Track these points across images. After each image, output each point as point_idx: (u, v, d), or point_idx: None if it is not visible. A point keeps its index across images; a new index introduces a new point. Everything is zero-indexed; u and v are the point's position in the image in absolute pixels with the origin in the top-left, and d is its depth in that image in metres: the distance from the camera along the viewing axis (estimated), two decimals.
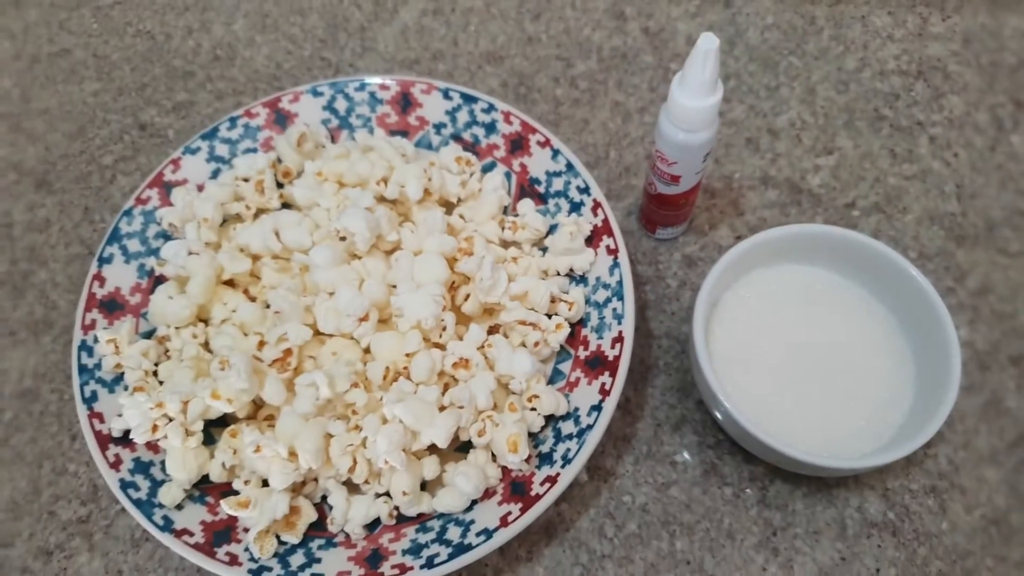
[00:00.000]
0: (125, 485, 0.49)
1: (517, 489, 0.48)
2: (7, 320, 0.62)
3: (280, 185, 0.62)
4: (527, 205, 0.59)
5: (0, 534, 0.54)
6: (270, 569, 0.46)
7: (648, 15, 0.75)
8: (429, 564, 0.46)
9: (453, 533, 0.47)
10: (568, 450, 0.49)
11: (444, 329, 0.51)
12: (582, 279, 0.56)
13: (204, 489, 0.50)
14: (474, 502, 0.49)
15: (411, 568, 0.46)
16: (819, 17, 0.73)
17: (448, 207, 0.60)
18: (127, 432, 0.50)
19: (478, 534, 0.47)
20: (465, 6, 0.76)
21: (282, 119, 0.63)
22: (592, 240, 0.56)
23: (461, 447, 0.52)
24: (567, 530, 0.52)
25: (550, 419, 0.52)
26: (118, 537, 0.53)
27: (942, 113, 0.67)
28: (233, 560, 0.47)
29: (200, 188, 0.61)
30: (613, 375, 0.50)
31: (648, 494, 0.53)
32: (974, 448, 0.53)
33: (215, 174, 0.62)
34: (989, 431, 0.54)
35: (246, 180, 0.60)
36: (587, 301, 0.55)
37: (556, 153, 0.59)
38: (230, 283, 0.57)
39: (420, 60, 0.73)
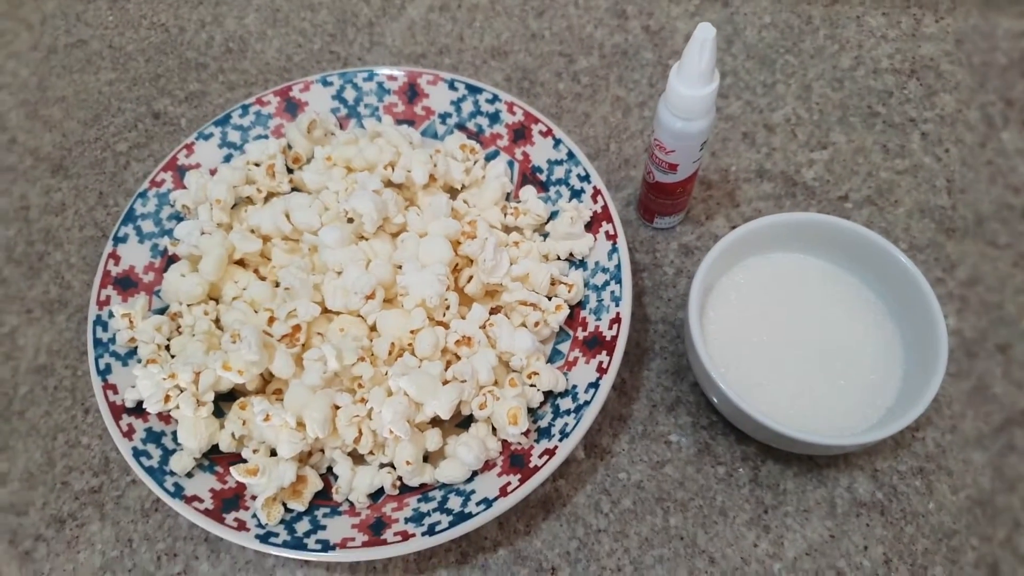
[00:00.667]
0: (138, 453, 0.50)
1: (516, 461, 0.50)
2: (23, 299, 0.64)
3: (290, 170, 0.63)
4: (529, 192, 0.61)
5: (15, 503, 0.55)
6: (276, 535, 0.48)
7: (649, 14, 0.77)
8: (431, 531, 0.47)
9: (454, 502, 0.49)
10: (566, 425, 0.50)
11: (447, 308, 0.53)
12: (581, 263, 0.58)
13: (213, 459, 0.52)
14: (475, 473, 0.50)
15: (413, 535, 0.47)
16: (815, 17, 0.75)
17: (452, 193, 0.61)
18: (140, 403, 0.52)
19: (478, 503, 0.48)
20: (471, 3, 0.78)
21: (292, 107, 0.65)
22: (592, 226, 0.58)
23: (462, 423, 0.54)
24: (564, 505, 0.53)
25: (549, 396, 0.54)
26: (128, 507, 0.55)
27: (934, 110, 0.69)
28: (241, 526, 0.48)
29: (213, 172, 0.62)
30: (610, 354, 0.52)
31: (643, 472, 0.54)
32: (960, 432, 0.55)
33: (227, 159, 0.63)
34: (975, 416, 0.55)
35: (257, 164, 0.62)
36: (586, 284, 0.57)
37: (558, 142, 0.61)
38: (241, 263, 0.58)
39: (427, 54, 0.75)
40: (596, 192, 0.58)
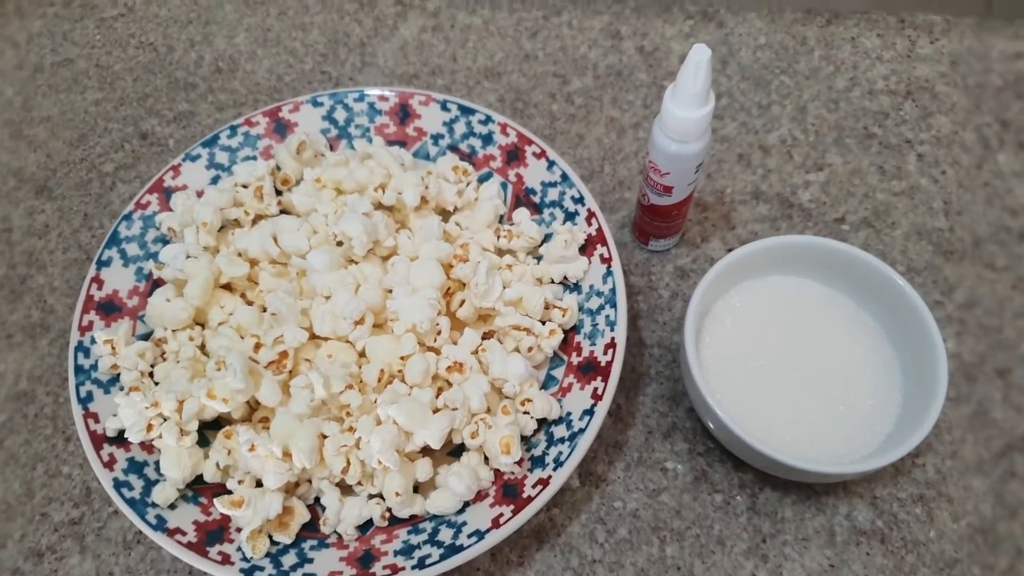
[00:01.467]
0: (119, 484, 0.49)
1: (509, 491, 0.49)
2: (4, 323, 0.62)
3: (278, 192, 0.62)
4: (522, 214, 0.60)
5: None
6: (262, 568, 0.47)
7: (643, 35, 0.76)
8: (421, 565, 0.46)
9: (445, 534, 0.48)
10: (560, 453, 0.49)
11: (439, 333, 0.52)
12: (576, 287, 0.57)
13: (197, 489, 0.51)
14: (466, 504, 0.49)
15: (403, 568, 0.46)
16: (810, 38, 0.75)
17: (444, 215, 0.60)
18: (121, 432, 0.51)
19: (470, 535, 0.47)
20: (464, 23, 0.78)
21: (282, 128, 0.64)
22: (586, 249, 0.57)
23: (453, 452, 0.52)
24: (558, 535, 0.52)
25: (542, 423, 0.52)
26: (110, 539, 0.53)
27: (930, 132, 0.69)
28: (225, 559, 0.47)
29: (199, 194, 0.61)
30: (605, 380, 0.51)
31: (639, 500, 0.53)
32: (961, 458, 0.54)
33: (214, 181, 0.62)
34: (975, 441, 0.54)
35: (245, 186, 0.61)
36: (580, 308, 0.56)
37: (552, 164, 0.60)
38: (227, 288, 0.57)
39: (419, 75, 0.75)
40: (590, 214, 0.57)
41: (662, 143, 0.52)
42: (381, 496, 0.50)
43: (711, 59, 0.47)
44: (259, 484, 0.49)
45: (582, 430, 0.49)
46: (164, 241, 0.60)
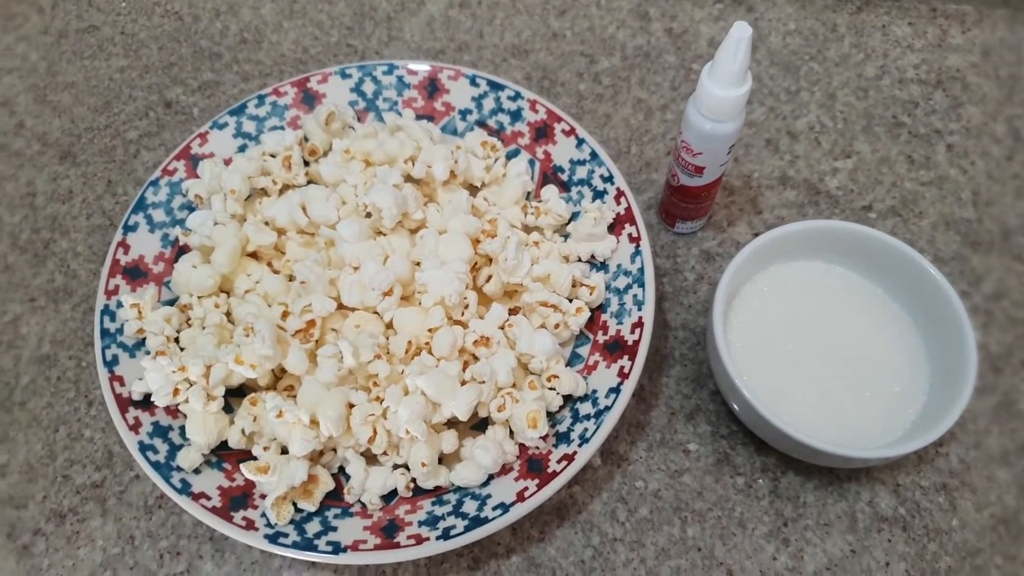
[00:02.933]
0: (144, 448, 0.49)
1: (534, 466, 0.49)
2: (28, 287, 0.62)
3: (306, 163, 0.62)
4: (551, 191, 0.59)
5: (15, 495, 0.54)
6: (286, 535, 0.47)
7: (672, 16, 0.76)
8: (445, 535, 0.46)
9: (469, 506, 0.48)
10: (586, 430, 0.49)
11: (467, 307, 0.52)
12: (603, 266, 0.57)
13: (222, 455, 0.51)
14: (491, 477, 0.49)
15: (427, 539, 0.46)
16: (840, 25, 0.74)
17: (472, 191, 0.60)
18: (147, 396, 0.51)
19: (494, 508, 0.47)
20: (491, 0, 0.77)
21: (310, 99, 0.64)
22: (614, 228, 0.57)
23: (477, 426, 0.52)
24: (579, 512, 0.52)
25: (568, 400, 0.52)
26: (131, 503, 0.53)
27: (960, 122, 0.68)
28: (249, 525, 0.47)
29: (227, 163, 0.61)
30: (632, 359, 0.51)
31: (661, 480, 0.53)
32: (985, 448, 0.54)
33: (241, 150, 0.62)
34: (1000, 432, 0.54)
35: (273, 156, 0.60)
36: (607, 287, 0.56)
37: (581, 142, 0.60)
38: (254, 256, 0.57)
39: (445, 51, 0.74)
40: (619, 193, 0.57)
41: (697, 122, 0.52)
42: (406, 466, 0.50)
43: (751, 38, 0.46)
44: (284, 451, 0.49)
45: (608, 407, 0.49)
46: (190, 208, 0.60)
